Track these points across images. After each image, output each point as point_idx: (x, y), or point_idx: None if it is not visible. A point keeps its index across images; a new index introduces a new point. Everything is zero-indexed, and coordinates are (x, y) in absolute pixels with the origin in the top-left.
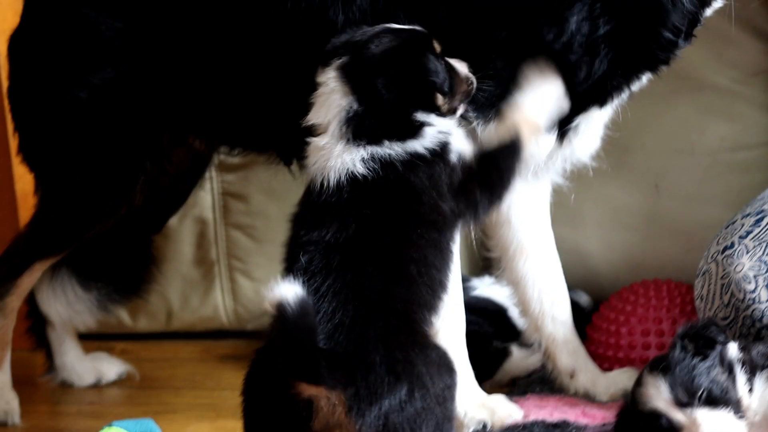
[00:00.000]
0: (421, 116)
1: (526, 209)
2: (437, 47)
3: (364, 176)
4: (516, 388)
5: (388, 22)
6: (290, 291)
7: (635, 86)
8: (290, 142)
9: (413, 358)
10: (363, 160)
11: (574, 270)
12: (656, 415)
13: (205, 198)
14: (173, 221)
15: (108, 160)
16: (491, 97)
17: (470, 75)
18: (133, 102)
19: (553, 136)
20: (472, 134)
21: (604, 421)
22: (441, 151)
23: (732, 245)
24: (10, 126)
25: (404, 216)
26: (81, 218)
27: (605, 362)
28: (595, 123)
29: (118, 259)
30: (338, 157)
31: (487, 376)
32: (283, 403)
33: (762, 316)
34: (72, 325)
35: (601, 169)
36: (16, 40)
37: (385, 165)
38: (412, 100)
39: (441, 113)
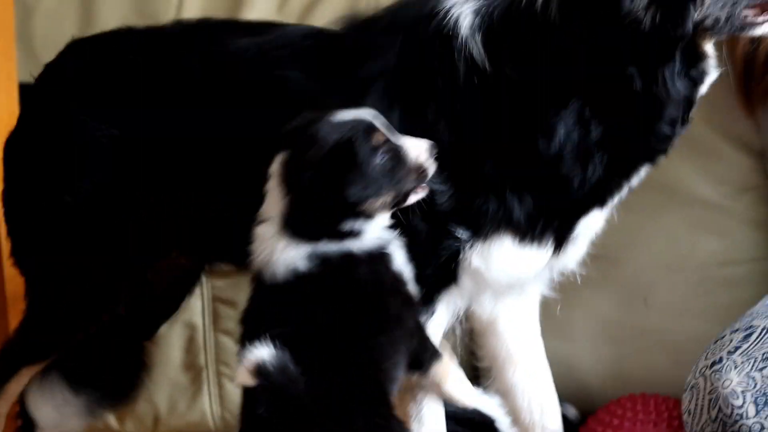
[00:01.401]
0: (348, 223)
1: (515, 319)
2: (380, 138)
3: (307, 272)
4: None
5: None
6: (266, 352)
7: (635, 181)
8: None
9: None
10: (305, 256)
11: (562, 382)
12: None
13: (195, 303)
14: (163, 326)
15: (88, 268)
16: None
17: (425, 161)
18: (118, 211)
19: (549, 250)
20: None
21: None
22: (380, 257)
23: (720, 360)
24: (2, 227)
25: (351, 313)
26: (64, 324)
27: None
28: (591, 228)
29: (109, 365)
30: (282, 252)
31: None
32: None
33: None
34: (60, 429)
35: (590, 282)
36: (10, 144)
37: (326, 262)
38: (337, 207)
39: (370, 217)
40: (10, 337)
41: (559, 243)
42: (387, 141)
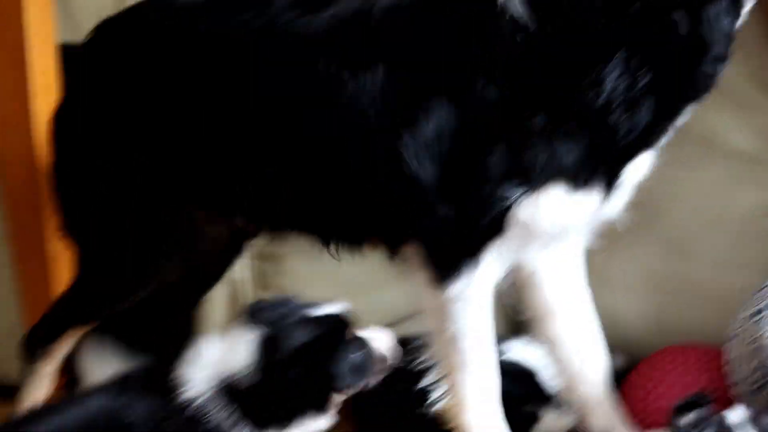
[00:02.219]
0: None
1: (559, 270)
2: (351, 336)
3: None
4: None
5: None
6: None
7: (681, 121)
8: (328, 226)
9: None
10: None
11: (606, 331)
12: None
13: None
14: None
15: (140, 234)
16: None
17: (387, 354)
18: (168, 177)
19: (597, 197)
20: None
21: None
22: None
23: (761, 311)
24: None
25: None
26: (113, 289)
27: (636, 426)
28: (637, 173)
29: (160, 330)
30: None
31: None
32: None
33: None
34: None
35: (632, 233)
36: (58, 117)
37: None
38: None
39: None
40: (58, 299)
41: (607, 189)
42: (357, 338)
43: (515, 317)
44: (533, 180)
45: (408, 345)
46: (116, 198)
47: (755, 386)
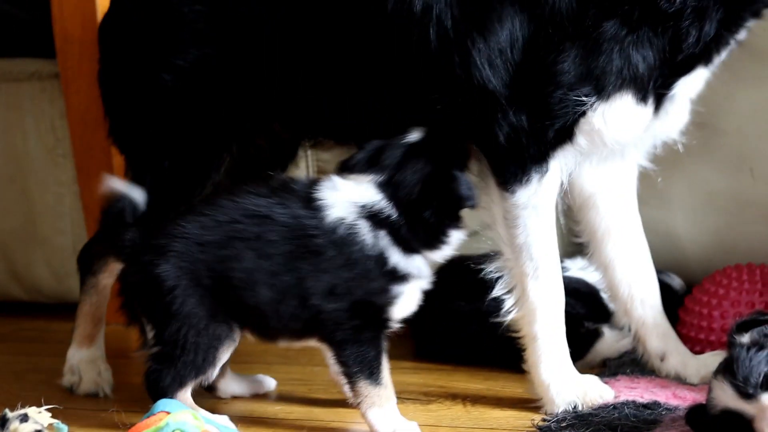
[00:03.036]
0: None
1: (613, 193)
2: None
3: None
4: (607, 369)
5: None
6: None
7: (740, 37)
8: (374, 136)
9: None
10: None
11: (665, 253)
12: (727, 413)
13: (300, 175)
14: None
15: (191, 143)
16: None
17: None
18: (216, 86)
19: (650, 107)
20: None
21: (696, 402)
22: None
23: None
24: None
25: None
26: (166, 198)
27: (697, 345)
28: (695, 86)
29: None
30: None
31: (578, 357)
32: None
33: None
34: None
35: (692, 153)
36: (105, 26)
37: None
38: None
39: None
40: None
41: (660, 102)
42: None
43: (572, 239)
44: (603, 87)
45: (471, 262)
46: (166, 104)
47: None
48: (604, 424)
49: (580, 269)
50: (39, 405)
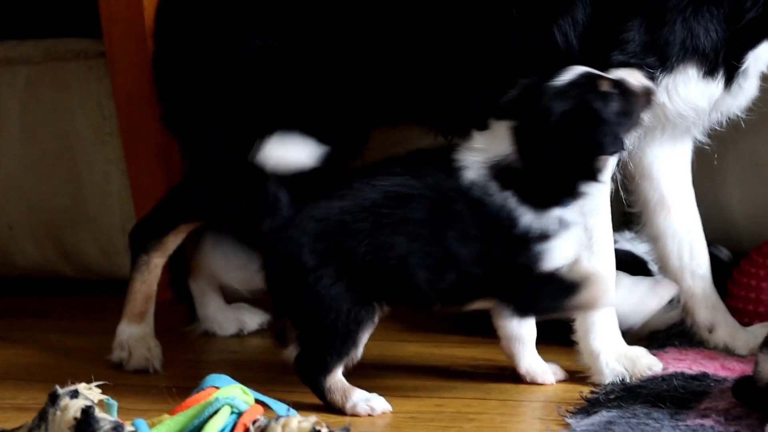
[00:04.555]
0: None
1: (669, 164)
2: (604, 83)
3: None
4: (655, 341)
5: None
6: None
7: None
8: (450, 118)
9: None
10: None
11: (714, 224)
12: None
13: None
14: None
15: (252, 129)
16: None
17: (648, 83)
18: (281, 71)
19: (719, 82)
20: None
21: (744, 374)
22: None
23: None
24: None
25: None
26: (222, 182)
27: (745, 316)
28: (761, 62)
29: None
30: None
31: None
32: None
33: None
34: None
35: (743, 127)
36: (160, 11)
37: None
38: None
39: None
40: (169, 193)
41: (731, 77)
42: (611, 82)
43: (623, 210)
44: (668, 58)
45: None
46: (227, 89)
47: None
48: (652, 395)
49: (627, 241)
50: (89, 381)
